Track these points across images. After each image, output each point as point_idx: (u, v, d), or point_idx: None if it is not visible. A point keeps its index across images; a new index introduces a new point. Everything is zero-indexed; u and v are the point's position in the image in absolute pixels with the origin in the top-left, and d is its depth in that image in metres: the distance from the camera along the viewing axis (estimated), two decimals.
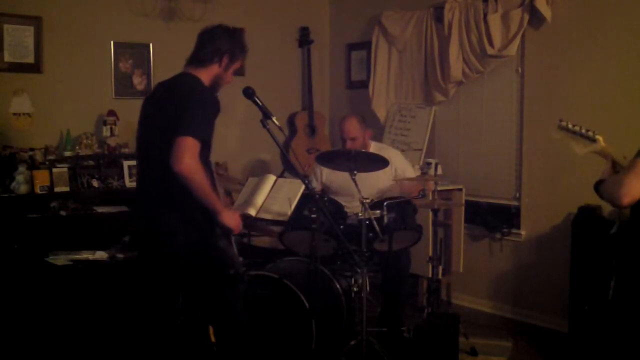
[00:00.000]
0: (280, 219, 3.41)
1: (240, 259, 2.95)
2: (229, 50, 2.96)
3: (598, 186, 2.61)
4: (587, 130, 2.78)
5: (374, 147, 4.22)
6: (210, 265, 2.86)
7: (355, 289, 3.53)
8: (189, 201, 2.72)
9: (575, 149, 2.81)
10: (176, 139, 2.65)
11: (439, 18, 4.95)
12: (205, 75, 2.92)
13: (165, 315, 3.05)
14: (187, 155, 2.64)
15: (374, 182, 4.02)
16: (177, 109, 2.74)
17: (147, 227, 2.92)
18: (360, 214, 3.44)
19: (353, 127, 4.11)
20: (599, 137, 2.77)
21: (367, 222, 3.45)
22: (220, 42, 2.96)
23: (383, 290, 4.05)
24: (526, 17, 4.39)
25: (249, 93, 3.00)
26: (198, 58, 2.94)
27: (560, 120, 2.85)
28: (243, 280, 2.99)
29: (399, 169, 4.18)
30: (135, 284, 4.42)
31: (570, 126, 2.82)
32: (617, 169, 2.69)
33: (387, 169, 4.00)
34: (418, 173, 4.69)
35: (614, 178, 2.54)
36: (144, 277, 3.06)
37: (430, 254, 4.16)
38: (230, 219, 2.81)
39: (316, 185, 4.26)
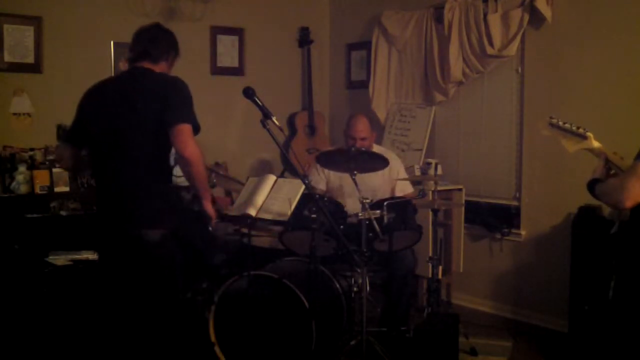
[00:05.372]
0: (280, 219, 3.41)
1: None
2: (176, 50, 3.06)
3: (593, 186, 2.61)
4: (578, 127, 2.79)
5: (375, 150, 4.20)
6: (202, 244, 2.95)
7: (355, 289, 3.53)
8: (170, 190, 2.83)
9: (567, 146, 2.82)
10: (177, 127, 2.73)
11: (439, 18, 4.95)
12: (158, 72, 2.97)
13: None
14: (191, 141, 2.76)
15: (375, 186, 4.03)
16: (163, 100, 2.78)
17: (128, 221, 2.83)
18: (360, 214, 3.44)
19: (365, 126, 4.08)
20: (590, 134, 2.77)
21: (367, 222, 3.45)
22: (171, 42, 3.03)
23: (386, 290, 4.04)
24: (526, 17, 4.39)
25: (249, 93, 3.00)
26: (152, 54, 2.96)
27: (551, 117, 2.85)
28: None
29: (398, 173, 4.18)
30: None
31: (560, 123, 2.82)
32: (610, 166, 2.69)
33: (388, 173, 4.01)
34: (418, 173, 4.71)
35: (614, 181, 2.54)
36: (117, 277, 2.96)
37: (430, 254, 4.16)
38: (211, 208, 2.92)
39: (322, 185, 4.24)
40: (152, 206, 2.83)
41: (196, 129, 2.86)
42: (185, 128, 2.76)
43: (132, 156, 2.84)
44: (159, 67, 2.98)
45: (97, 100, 2.96)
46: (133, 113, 2.82)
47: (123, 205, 2.86)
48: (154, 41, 2.98)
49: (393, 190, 4.20)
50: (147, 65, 2.95)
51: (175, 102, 2.80)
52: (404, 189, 4.20)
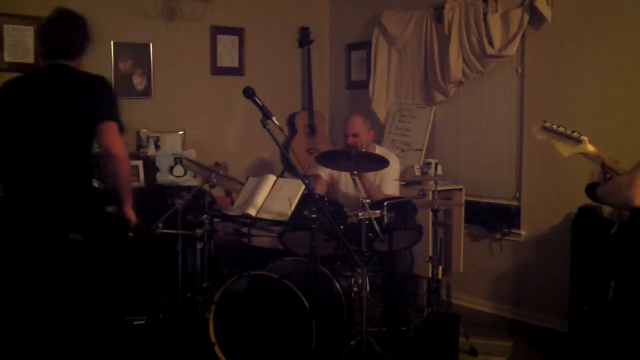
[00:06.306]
0: (280, 219, 3.41)
1: None
2: (90, 38, 2.93)
3: (593, 190, 2.59)
4: (572, 131, 2.75)
5: (378, 151, 4.20)
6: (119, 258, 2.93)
7: (355, 289, 3.53)
8: (94, 193, 2.81)
9: (561, 151, 2.78)
10: (105, 124, 2.72)
11: (439, 18, 4.95)
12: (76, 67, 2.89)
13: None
14: (119, 138, 2.74)
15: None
16: (89, 99, 2.75)
17: (53, 225, 2.75)
18: (360, 214, 3.44)
19: (356, 124, 4.12)
20: (584, 138, 2.74)
21: (367, 222, 3.45)
22: (85, 32, 2.91)
23: (386, 290, 4.04)
24: (526, 17, 4.39)
25: (249, 93, 2.99)
26: (69, 51, 2.85)
27: (545, 121, 2.81)
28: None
29: (385, 174, 4.14)
30: (136, 284, 4.43)
31: (554, 127, 2.78)
32: (607, 170, 2.67)
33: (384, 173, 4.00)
34: (418, 173, 4.71)
35: (620, 180, 2.51)
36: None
37: (430, 254, 4.16)
38: (132, 211, 2.89)
39: (324, 174, 4.24)
40: (76, 209, 2.77)
41: (122, 128, 2.82)
42: (113, 126, 2.74)
43: (54, 158, 2.76)
44: (77, 62, 2.88)
45: (14, 100, 2.82)
46: (56, 114, 2.75)
47: (48, 209, 2.75)
48: (70, 35, 2.86)
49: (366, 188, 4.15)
50: (65, 62, 2.83)
51: (102, 101, 2.78)
52: (390, 188, 4.14)
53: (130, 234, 2.94)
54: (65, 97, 2.77)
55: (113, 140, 2.72)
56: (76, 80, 2.82)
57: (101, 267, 2.84)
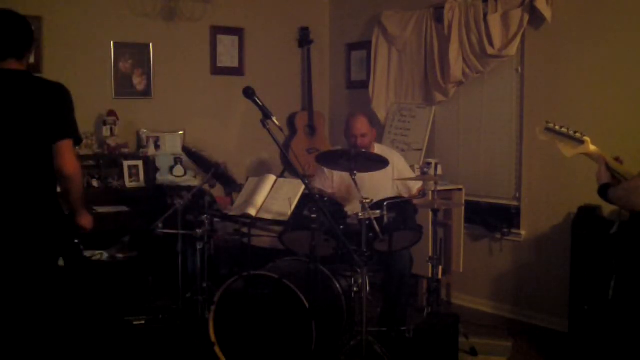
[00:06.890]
0: (280, 219, 3.41)
1: None
2: (33, 37, 2.82)
3: (605, 191, 2.59)
4: (575, 132, 2.76)
5: (377, 149, 4.21)
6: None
7: (355, 289, 3.53)
8: (51, 200, 2.75)
9: (564, 151, 2.79)
10: (59, 143, 2.67)
11: (439, 18, 4.95)
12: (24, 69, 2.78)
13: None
14: (73, 157, 2.72)
15: (378, 185, 4.03)
16: (47, 111, 2.67)
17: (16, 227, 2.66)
18: (360, 214, 3.44)
19: (363, 124, 4.14)
20: (587, 139, 2.75)
21: (367, 222, 3.45)
22: (28, 30, 2.77)
23: (385, 290, 4.04)
24: (526, 17, 4.39)
25: (249, 93, 2.99)
26: (17, 52, 2.71)
27: (547, 122, 2.82)
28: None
29: (400, 171, 4.18)
30: (136, 284, 4.43)
31: (557, 128, 2.79)
32: (611, 170, 2.67)
33: (389, 172, 4.01)
34: (418, 173, 4.70)
35: (628, 185, 2.51)
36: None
37: (430, 254, 4.16)
38: (87, 219, 2.90)
39: (329, 188, 4.24)
40: (46, 222, 2.72)
41: (79, 140, 2.81)
42: (68, 144, 2.70)
43: (16, 169, 2.66)
44: (23, 64, 2.75)
45: None
46: (13, 124, 2.64)
47: (18, 224, 2.66)
48: (14, 35, 2.70)
49: (399, 189, 4.19)
50: (15, 66, 2.71)
51: (61, 116, 2.71)
52: (414, 185, 4.22)
53: (76, 241, 3.04)
54: (27, 105, 2.66)
55: (66, 161, 2.68)
56: (37, 88, 2.70)
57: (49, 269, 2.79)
